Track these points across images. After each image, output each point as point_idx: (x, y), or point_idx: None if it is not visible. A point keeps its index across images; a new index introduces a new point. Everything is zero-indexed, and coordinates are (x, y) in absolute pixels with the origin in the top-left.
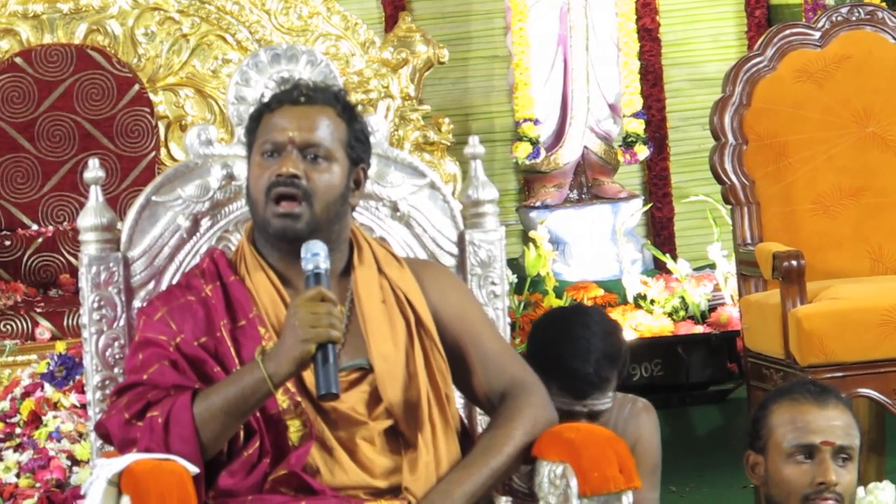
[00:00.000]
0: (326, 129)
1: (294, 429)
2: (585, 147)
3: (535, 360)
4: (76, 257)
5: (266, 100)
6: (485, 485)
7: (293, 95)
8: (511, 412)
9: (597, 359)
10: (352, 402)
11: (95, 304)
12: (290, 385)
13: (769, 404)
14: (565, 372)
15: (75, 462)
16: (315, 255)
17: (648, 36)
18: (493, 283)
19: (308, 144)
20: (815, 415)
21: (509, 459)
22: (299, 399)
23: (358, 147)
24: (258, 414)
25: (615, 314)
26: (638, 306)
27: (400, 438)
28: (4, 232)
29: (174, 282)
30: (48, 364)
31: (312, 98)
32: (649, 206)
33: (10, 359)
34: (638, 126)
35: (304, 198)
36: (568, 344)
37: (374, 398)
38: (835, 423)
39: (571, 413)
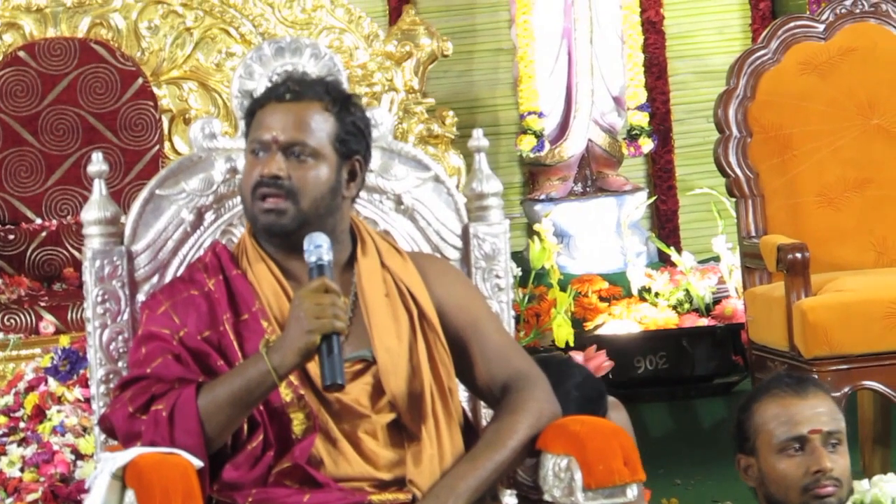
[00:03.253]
0: (312, 126)
1: (298, 421)
2: (590, 140)
3: None
4: (80, 251)
5: (258, 95)
6: (489, 479)
7: (279, 92)
8: (515, 405)
9: None
10: (355, 394)
11: (99, 298)
12: (293, 378)
13: (750, 405)
14: None
15: (79, 456)
16: (318, 246)
17: (653, 28)
18: (497, 277)
19: (292, 143)
20: (798, 406)
21: (513, 453)
22: (303, 392)
23: (350, 140)
24: (262, 407)
25: (620, 307)
26: (643, 299)
27: (403, 431)
28: (8, 226)
29: (179, 275)
30: (52, 358)
31: (299, 94)
32: (654, 198)
33: (15, 353)
34: (642, 119)
35: (288, 196)
36: None
37: (378, 390)
38: (819, 411)
39: None
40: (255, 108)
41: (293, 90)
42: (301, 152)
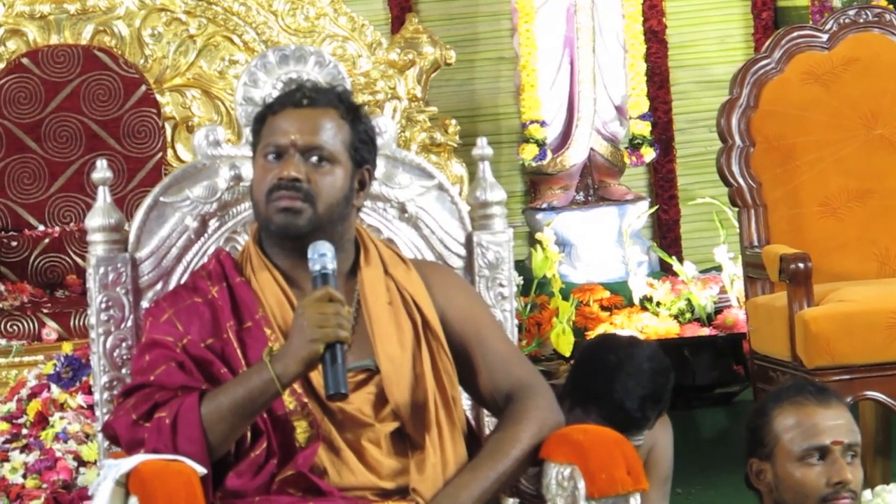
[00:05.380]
0: (329, 132)
1: (301, 430)
2: (592, 149)
3: (581, 385)
4: (83, 258)
5: (270, 101)
6: (491, 488)
7: (296, 97)
8: (518, 414)
9: (643, 397)
10: (358, 403)
11: (103, 305)
12: (296, 386)
13: (769, 410)
14: (611, 404)
15: (82, 463)
16: (322, 255)
17: (655, 38)
18: (500, 285)
19: (310, 147)
20: (821, 415)
21: (516, 462)
22: (306, 400)
23: (362, 148)
24: (265, 415)
25: (621, 316)
26: (644, 308)
27: (406, 440)
28: (11, 233)
29: (182, 283)
30: (55, 365)
31: (315, 100)
32: (655, 208)
33: (17, 359)
34: (644, 128)
35: (306, 199)
36: (620, 378)
37: (381, 400)
38: (840, 422)
39: None
40: (266, 113)
41: (309, 96)
42: (319, 156)
